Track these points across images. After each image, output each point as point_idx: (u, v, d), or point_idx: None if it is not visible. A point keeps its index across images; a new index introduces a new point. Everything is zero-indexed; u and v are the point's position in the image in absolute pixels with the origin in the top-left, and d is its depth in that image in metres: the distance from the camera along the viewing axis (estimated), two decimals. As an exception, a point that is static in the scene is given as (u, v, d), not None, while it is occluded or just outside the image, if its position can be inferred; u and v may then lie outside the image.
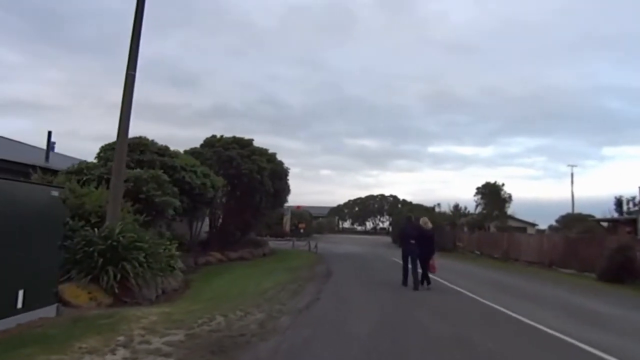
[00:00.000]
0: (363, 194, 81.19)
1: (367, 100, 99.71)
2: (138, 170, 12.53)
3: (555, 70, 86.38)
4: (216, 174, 23.29)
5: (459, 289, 11.73)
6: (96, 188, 11.35)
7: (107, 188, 11.45)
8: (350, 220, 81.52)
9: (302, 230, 41.75)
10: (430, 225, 11.97)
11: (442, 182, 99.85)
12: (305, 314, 7.53)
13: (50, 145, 16.44)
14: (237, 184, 22.96)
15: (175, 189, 13.07)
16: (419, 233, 11.50)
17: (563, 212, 39.10)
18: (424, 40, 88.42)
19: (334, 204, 79.73)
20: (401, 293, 10.77)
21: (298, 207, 48.58)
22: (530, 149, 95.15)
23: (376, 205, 77.51)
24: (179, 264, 11.71)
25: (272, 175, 24.03)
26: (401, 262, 11.70)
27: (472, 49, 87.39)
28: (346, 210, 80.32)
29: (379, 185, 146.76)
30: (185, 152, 21.97)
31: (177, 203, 12.23)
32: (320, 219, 68.27)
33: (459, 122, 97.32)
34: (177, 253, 11.71)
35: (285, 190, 26.55)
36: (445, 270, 17.54)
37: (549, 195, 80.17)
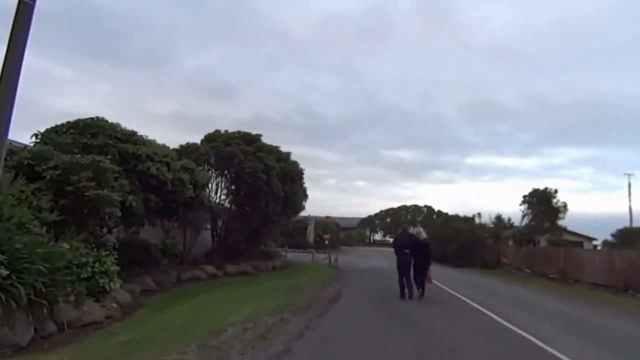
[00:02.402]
0: (398, 205, 76.76)
1: (404, 110, 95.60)
2: (77, 156, 9.45)
3: (606, 75, 79.52)
4: (218, 174, 20.52)
5: (516, 329, 7.86)
6: (16, 176, 8.41)
7: (25, 177, 8.56)
8: (382, 232, 77.03)
9: (327, 242, 38.12)
10: (424, 235, 12.19)
11: (480, 194, 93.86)
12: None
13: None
14: (240, 186, 19.80)
15: (125, 182, 9.86)
16: (413, 243, 11.51)
17: (616, 226, 34.73)
18: (464, 46, 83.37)
19: (366, 215, 75.68)
20: (424, 337, 7.07)
21: (327, 217, 45.47)
22: (577, 159, 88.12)
23: (409, 216, 72.75)
24: (116, 285, 8.48)
25: (283, 176, 20.54)
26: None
27: (515, 54, 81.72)
28: (377, 222, 76.00)
29: (415, 197, 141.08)
30: (181, 146, 19.13)
31: (117, 199, 8.97)
32: (351, 230, 64.39)
33: (500, 132, 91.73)
34: (115, 268, 8.51)
35: (300, 194, 22.90)
36: (490, 294, 13.43)
37: (597, 208, 72.61)
